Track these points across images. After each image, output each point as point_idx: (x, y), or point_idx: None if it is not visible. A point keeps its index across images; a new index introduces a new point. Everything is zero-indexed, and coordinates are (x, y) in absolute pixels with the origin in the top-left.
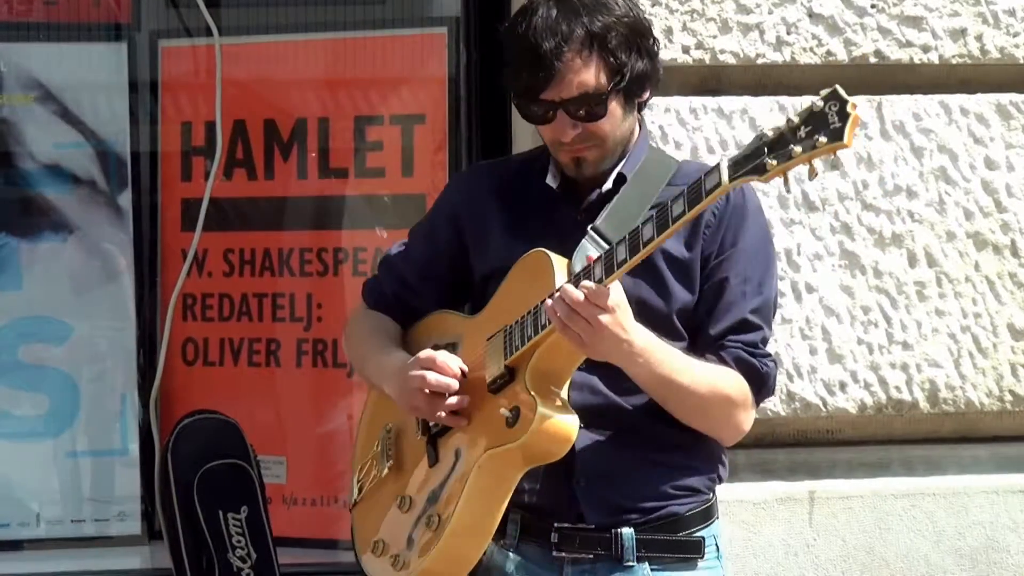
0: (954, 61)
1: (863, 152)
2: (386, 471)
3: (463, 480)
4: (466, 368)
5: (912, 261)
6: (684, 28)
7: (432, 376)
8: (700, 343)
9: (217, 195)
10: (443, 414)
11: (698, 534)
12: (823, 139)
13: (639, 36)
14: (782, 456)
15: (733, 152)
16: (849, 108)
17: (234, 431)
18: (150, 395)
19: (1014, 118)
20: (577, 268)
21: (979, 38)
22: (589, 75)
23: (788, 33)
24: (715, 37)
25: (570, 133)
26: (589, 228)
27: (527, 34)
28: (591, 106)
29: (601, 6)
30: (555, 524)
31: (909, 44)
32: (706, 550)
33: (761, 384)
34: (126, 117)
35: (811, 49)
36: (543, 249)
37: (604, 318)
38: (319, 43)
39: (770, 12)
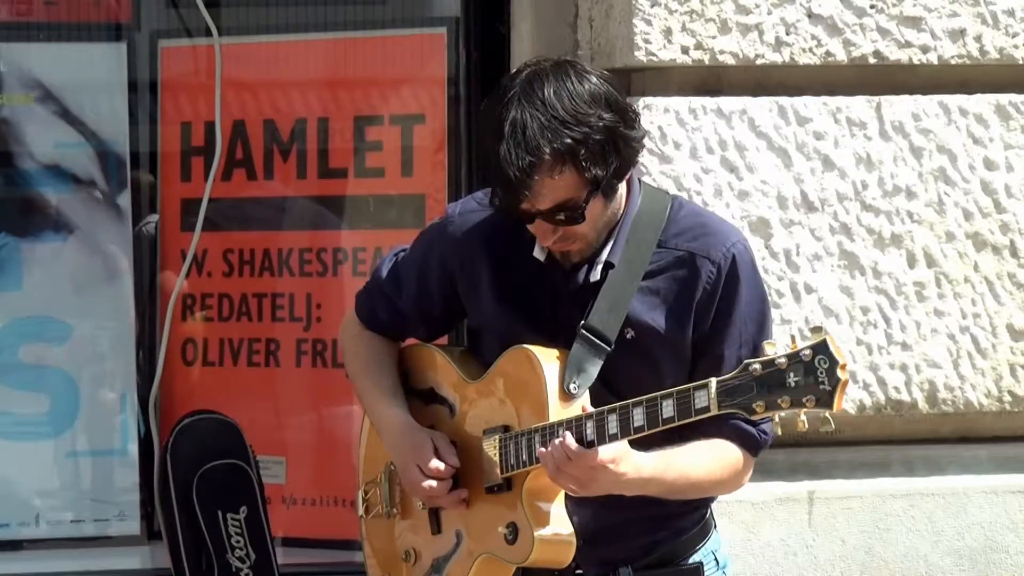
0: (953, 62)
1: (862, 152)
2: (391, 515)
3: (465, 568)
4: (458, 464)
5: (911, 261)
6: (683, 28)
7: (428, 485)
8: None
9: (216, 195)
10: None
11: (695, 558)
12: (811, 399)
13: (613, 138)
14: (781, 456)
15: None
16: (839, 372)
17: (233, 431)
18: (149, 395)
19: (1013, 118)
20: (572, 381)
21: (978, 38)
22: (562, 191)
23: (787, 34)
24: (714, 38)
25: (551, 238)
26: (580, 327)
27: (497, 154)
28: (568, 214)
29: (575, 114)
30: (553, 572)
31: (908, 44)
32: (705, 570)
33: (758, 450)
34: (126, 117)
35: (810, 50)
36: (529, 350)
37: (588, 474)
38: (319, 43)
39: (769, 13)
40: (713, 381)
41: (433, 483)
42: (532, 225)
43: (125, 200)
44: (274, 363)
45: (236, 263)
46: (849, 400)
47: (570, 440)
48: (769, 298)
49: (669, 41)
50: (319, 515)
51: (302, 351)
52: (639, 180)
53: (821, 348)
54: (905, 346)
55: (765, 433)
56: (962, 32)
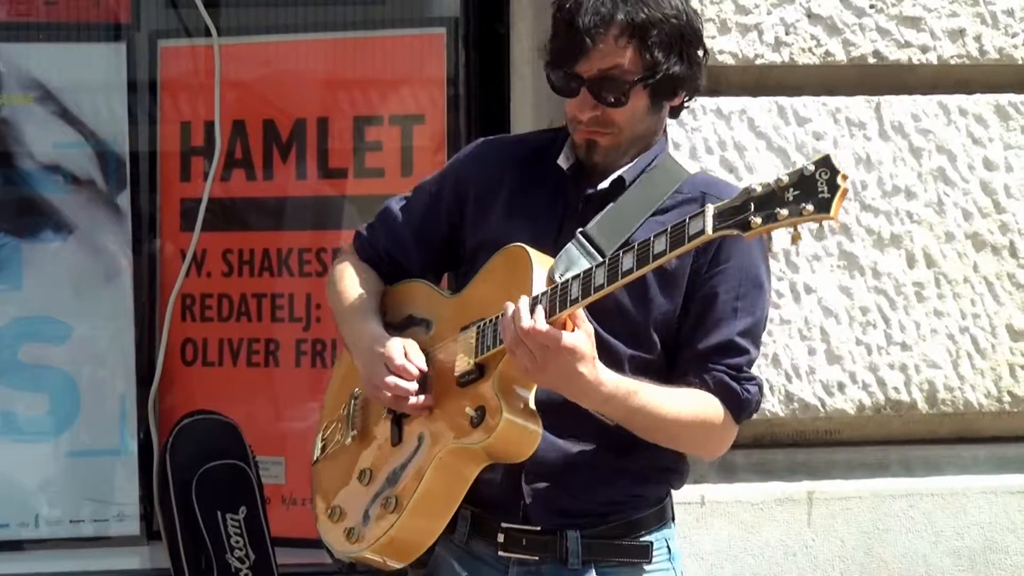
0: (953, 62)
1: (861, 153)
2: (350, 440)
3: (422, 469)
4: (425, 369)
5: (911, 262)
6: None
7: (392, 380)
8: (683, 359)
9: (216, 195)
10: (406, 408)
11: (646, 538)
12: (809, 207)
13: (683, 40)
14: (780, 457)
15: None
16: (839, 180)
17: (233, 431)
18: (149, 395)
19: (1012, 119)
20: (559, 272)
21: (978, 39)
22: (618, 61)
23: (787, 34)
24: (714, 38)
25: (587, 113)
26: (578, 232)
27: (572, 6)
28: (614, 91)
29: (662, 3)
30: (502, 524)
31: (908, 45)
32: (655, 554)
33: (740, 410)
34: (125, 117)
35: (810, 50)
36: (524, 246)
37: (548, 356)
38: (318, 43)
39: (769, 13)
40: (710, 206)
41: (397, 379)
42: (574, 100)
43: (125, 200)
44: (273, 363)
45: (236, 263)
46: (848, 400)
47: (533, 309)
48: (771, 268)
49: None
50: None
51: (302, 351)
52: (669, 143)
53: (823, 162)
54: (904, 346)
55: (748, 391)
56: (961, 32)
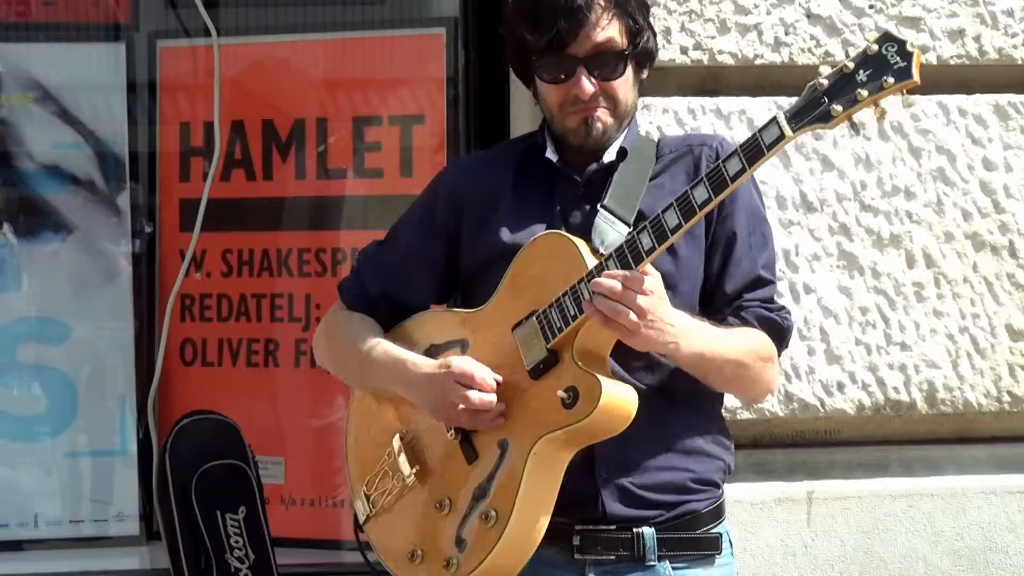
0: (952, 62)
1: (861, 153)
2: (411, 479)
3: (516, 471)
4: (500, 378)
5: (910, 262)
6: (682, 29)
7: (475, 395)
8: (717, 303)
9: (215, 195)
10: (485, 424)
11: (715, 530)
12: (890, 79)
13: (646, 5)
14: (780, 457)
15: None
16: (909, 47)
17: (232, 432)
18: (148, 395)
19: (1012, 119)
20: (596, 242)
21: (977, 39)
22: (612, 33)
23: (786, 34)
24: (713, 38)
25: (589, 89)
26: (600, 206)
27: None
28: (612, 64)
29: None
30: (576, 527)
31: None
32: (723, 546)
33: (783, 338)
34: (124, 118)
35: (809, 50)
36: (559, 232)
37: (644, 302)
38: (318, 43)
39: (768, 13)
40: (779, 112)
41: (479, 394)
42: (566, 84)
43: (124, 200)
44: (273, 363)
45: (235, 263)
46: (848, 400)
47: (612, 271)
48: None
49: (668, 41)
50: (318, 515)
51: (301, 351)
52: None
53: (885, 38)
54: (904, 346)
55: (786, 319)
56: (961, 32)
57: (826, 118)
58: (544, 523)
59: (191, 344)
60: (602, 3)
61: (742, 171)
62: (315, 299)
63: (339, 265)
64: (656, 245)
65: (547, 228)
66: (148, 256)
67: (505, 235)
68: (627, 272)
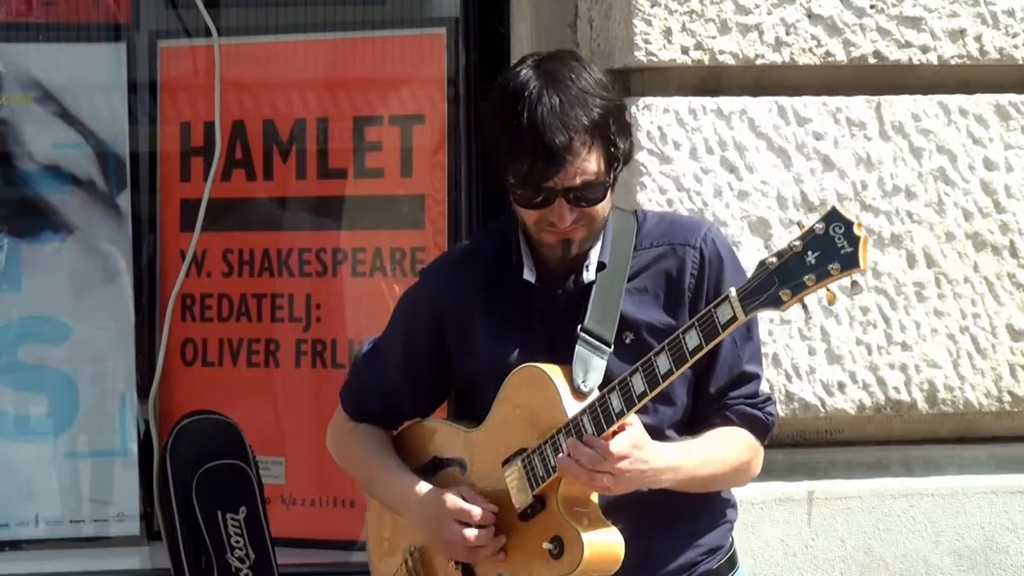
0: (953, 62)
1: (862, 153)
2: None
3: None
4: (495, 509)
5: (911, 262)
6: (683, 29)
7: (471, 533)
8: (701, 401)
9: (216, 195)
10: (484, 557)
11: None
12: (836, 266)
13: (623, 116)
14: (780, 456)
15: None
16: (856, 230)
17: (233, 432)
18: (149, 395)
19: (1013, 119)
20: (580, 379)
21: (978, 39)
22: (591, 164)
23: (787, 34)
24: (714, 38)
25: (568, 218)
26: (579, 330)
27: (534, 124)
28: (593, 194)
29: (596, 90)
30: None
31: (908, 45)
32: None
33: (766, 433)
34: (125, 117)
35: (810, 50)
36: (535, 365)
37: (624, 465)
38: (318, 43)
39: (769, 13)
40: (732, 290)
41: (475, 531)
42: (545, 209)
43: (125, 200)
44: (273, 363)
45: (236, 263)
46: (848, 400)
47: (580, 435)
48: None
49: (669, 41)
50: (319, 515)
51: (301, 351)
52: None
53: (831, 217)
54: (905, 346)
55: (771, 415)
56: (962, 32)
57: (777, 303)
58: None
59: (192, 344)
60: (582, 139)
61: (700, 347)
62: (315, 299)
63: (339, 265)
64: (625, 410)
65: (531, 348)
66: (149, 256)
67: (489, 356)
68: (600, 444)
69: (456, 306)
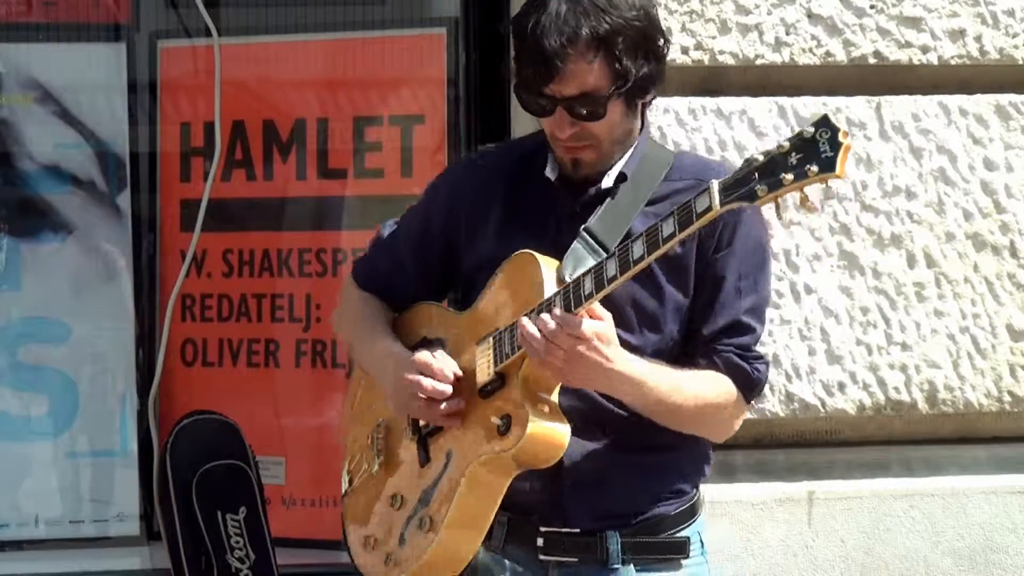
0: (953, 62)
1: (862, 153)
2: (377, 467)
3: (454, 484)
4: (460, 372)
5: (911, 262)
6: (683, 29)
7: (428, 382)
8: (692, 342)
9: (216, 195)
10: (439, 417)
11: (682, 533)
12: (814, 168)
13: (647, 40)
14: (781, 457)
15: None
16: (841, 137)
17: (233, 432)
18: (149, 396)
19: (1013, 119)
20: (568, 271)
21: (978, 39)
22: (591, 77)
23: (787, 34)
24: (714, 38)
25: (567, 130)
26: (582, 229)
27: (534, 29)
28: (590, 107)
29: (612, 7)
30: (541, 528)
31: (908, 45)
32: (691, 548)
33: (752, 388)
34: (125, 118)
35: (810, 50)
36: (531, 252)
37: (581, 349)
38: (318, 43)
39: (769, 13)
40: (715, 181)
41: (434, 382)
42: (550, 118)
43: (125, 200)
44: (274, 364)
45: (236, 263)
46: (848, 400)
47: (550, 311)
48: (771, 248)
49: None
50: (318, 516)
51: (302, 352)
52: (648, 128)
53: (822, 123)
54: (905, 346)
55: (758, 370)
56: (962, 32)
57: (752, 197)
58: (476, 540)
59: (192, 344)
60: (580, 47)
61: (673, 235)
62: (315, 299)
63: (340, 265)
64: (595, 292)
65: (538, 243)
66: (149, 256)
67: (494, 245)
68: (563, 316)
69: (475, 197)
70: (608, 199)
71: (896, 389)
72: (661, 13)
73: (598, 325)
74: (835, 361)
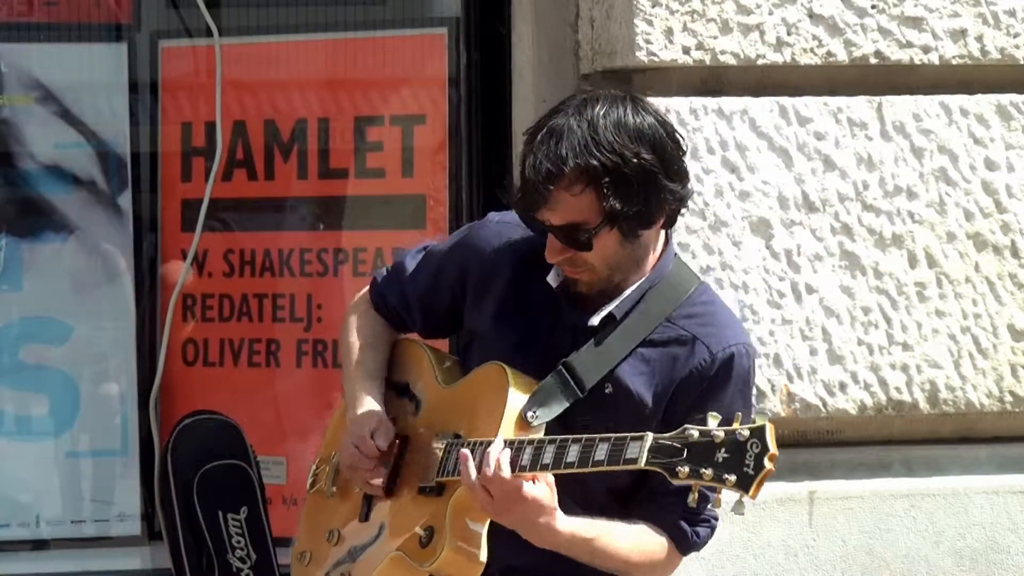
0: (954, 62)
1: (863, 153)
2: (331, 493)
3: (374, 563)
4: (383, 448)
5: (912, 262)
6: (684, 29)
7: (353, 451)
8: (642, 487)
9: (217, 195)
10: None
11: None
12: (732, 478)
13: (647, 178)
14: (782, 457)
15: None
16: (767, 461)
17: (234, 431)
18: (150, 395)
19: (1014, 119)
20: (535, 409)
21: (979, 39)
22: (575, 211)
23: (788, 34)
24: (715, 38)
25: (557, 256)
26: (561, 364)
27: (532, 150)
28: (575, 238)
29: (610, 142)
30: None
31: (909, 45)
32: None
33: (687, 550)
34: (126, 117)
35: (811, 50)
36: (506, 371)
37: (518, 511)
38: (319, 43)
39: (770, 13)
40: (650, 435)
41: (357, 453)
42: (545, 239)
43: (125, 200)
44: (275, 363)
45: (237, 263)
46: (850, 400)
47: (502, 457)
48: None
49: (670, 41)
50: None
51: (303, 351)
52: (676, 253)
53: (758, 433)
54: (906, 346)
55: (698, 536)
56: (963, 32)
57: (672, 473)
58: None
59: (193, 344)
60: (568, 180)
61: (602, 462)
62: (316, 299)
63: (340, 265)
64: (551, 465)
65: (526, 343)
66: (150, 256)
67: (490, 323)
68: (502, 477)
69: (488, 261)
70: (596, 335)
71: (897, 389)
72: (662, 13)
73: (538, 490)
74: (836, 361)
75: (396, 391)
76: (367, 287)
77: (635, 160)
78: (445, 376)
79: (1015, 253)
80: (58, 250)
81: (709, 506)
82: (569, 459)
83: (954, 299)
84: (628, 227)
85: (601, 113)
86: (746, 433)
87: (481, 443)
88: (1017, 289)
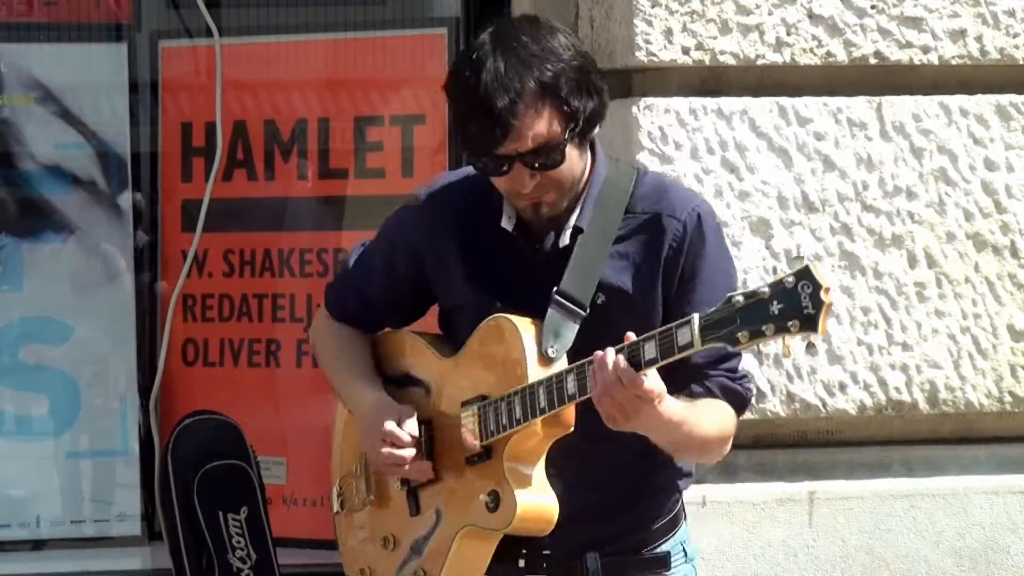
0: (954, 62)
1: (863, 153)
2: (369, 500)
3: (446, 545)
4: (415, 433)
5: (912, 262)
6: (684, 29)
7: (387, 450)
8: (682, 372)
9: (217, 196)
10: (407, 474)
11: (663, 548)
12: (796, 324)
13: (587, 77)
14: (782, 457)
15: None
16: (823, 295)
17: (234, 432)
18: (150, 396)
19: (1014, 119)
20: (550, 344)
21: (979, 39)
22: (544, 126)
23: (788, 34)
24: (715, 38)
25: (529, 184)
26: (555, 293)
27: (477, 90)
28: (549, 156)
29: (548, 53)
30: (522, 550)
31: (909, 45)
32: (673, 560)
33: (744, 407)
34: (126, 118)
35: (811, 50)
36: (511, 319)
37: (639, 405)
38: (319, 44)
39: (770, 13)
40: (696, 316)
41: (391, 449)
42: (507, 176)
43: (125, 200)
44: (275, 364)
45: (237, 264)
46: (849, 400)
47: (619, 359)
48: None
49: (670, 41)
50: (320, 515)
51: (303, 352)
52: (604, 152)
53: (804, 274)
54: (906, 347)
55: (748, 390)
56: (963, 32)
57: (733, 342)
58: None
59: (193, 344)
60: (528, 100)
61: (655, 359)
62: (316, 299)
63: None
64: (578, 394)
65: (509, 295)
66: (150, 256)
67: (468, 297)
68: (631, 374)
69: (435, 238)
70: (574, 253)
71: (897, 389)
72: (661, 14)
73: (656, 383)
74: (836, 361)
75: (396, 384)
76: (320, 310)
77: (573, 62)
78: (441, 351)
79: (1015, 253)
80: (58, 250)
81: (739, 367)
82: (648, 356)
83: (954, 299)
84: (584, 130)
85: (525, 35)
86: (792, 279)
87: (516, 392)
88: (1017, 289)
